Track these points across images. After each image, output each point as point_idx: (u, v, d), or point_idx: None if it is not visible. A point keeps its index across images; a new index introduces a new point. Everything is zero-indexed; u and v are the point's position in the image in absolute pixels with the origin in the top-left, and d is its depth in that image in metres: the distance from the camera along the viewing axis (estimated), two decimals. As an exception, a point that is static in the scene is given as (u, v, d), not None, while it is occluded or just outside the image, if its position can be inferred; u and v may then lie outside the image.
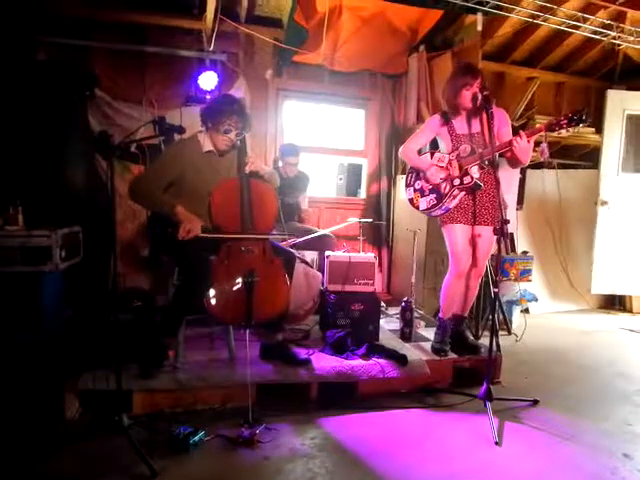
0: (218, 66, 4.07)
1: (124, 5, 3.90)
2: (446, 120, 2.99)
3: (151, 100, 4.13)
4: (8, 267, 2.92)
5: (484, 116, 2.89)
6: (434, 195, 2.99)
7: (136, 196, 2.65)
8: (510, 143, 2.72)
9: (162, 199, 2.62)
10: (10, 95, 3.49)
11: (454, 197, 2.93)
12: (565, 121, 2.62)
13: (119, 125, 3.97)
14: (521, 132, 2.72)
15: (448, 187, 2.93)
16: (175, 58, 4.15)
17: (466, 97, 2.86)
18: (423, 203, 3.05)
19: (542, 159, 4.58)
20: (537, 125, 4.59)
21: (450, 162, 2.94)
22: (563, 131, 2.78)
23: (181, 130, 2.60)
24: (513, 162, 2.88)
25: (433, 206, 2.99)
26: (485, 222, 2.94)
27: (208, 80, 3.91)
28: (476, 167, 2.86)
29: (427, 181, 3.01)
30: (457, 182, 2.90)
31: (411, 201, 3.14)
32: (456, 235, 2.96)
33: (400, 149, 3.16)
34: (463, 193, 2.94)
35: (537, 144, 4.24)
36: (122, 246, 4.10)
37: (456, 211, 2.96)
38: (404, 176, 3.31)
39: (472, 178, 2.85)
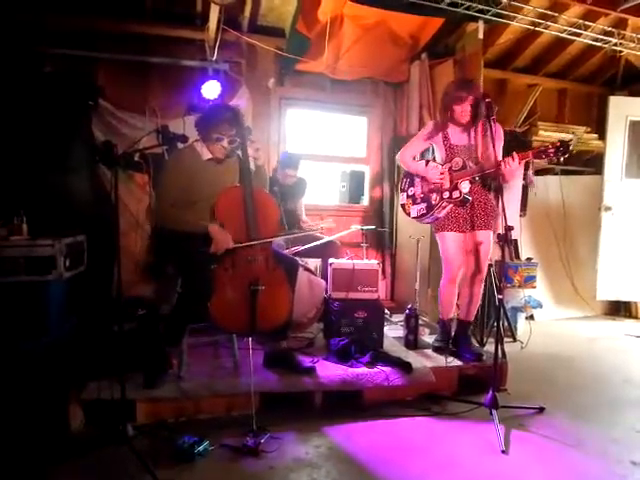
0: (221, 75, 4.09)
1: (128, 16, 3.94)
2: (441, 129, 3.02)
3: (154, 109, 4.14)
4: (13, 277, 2.92)
5: (479, 129, 2.95)
6: (425, 204, 3.08)
7: (166, 223, 2.66)
8: (498, 164, 2.76)
9: (191, 220, 2.60)
10: (15, 105, 3.52)
11: (443, 208, 3.00)
12: (552, 150, 2.68)
13: (122, 134, 3.97)
14: (514, 154, 2.76)
15: (438, 199, 3.00)
16: (178, 68, 4.18)
17: (456, 111, 2.92)
18: (414, 211, 3.16)
19: (527, 184, 4.53)
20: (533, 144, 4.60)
21: (443, 173, 2.98)
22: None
23: (184, 139, 2.62)
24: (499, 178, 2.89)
25: (423, 215, 3.09)
26: (481, 227, 2.99)
27: (211, 89, 3.93)
28: (466, 182, 2.90)
29: (426, 181, 3.05)
30: (446, 195, 2.97)
31: (403, 207, 3.25)
32: (448, 242, 3.04)
33: (397, 156, 3.24)
34: (451, 205, 2.99)
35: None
36: (126, 255, 4.09)
37: (447, 219, 3.02)
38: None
39: (460, 194, 2.91)
